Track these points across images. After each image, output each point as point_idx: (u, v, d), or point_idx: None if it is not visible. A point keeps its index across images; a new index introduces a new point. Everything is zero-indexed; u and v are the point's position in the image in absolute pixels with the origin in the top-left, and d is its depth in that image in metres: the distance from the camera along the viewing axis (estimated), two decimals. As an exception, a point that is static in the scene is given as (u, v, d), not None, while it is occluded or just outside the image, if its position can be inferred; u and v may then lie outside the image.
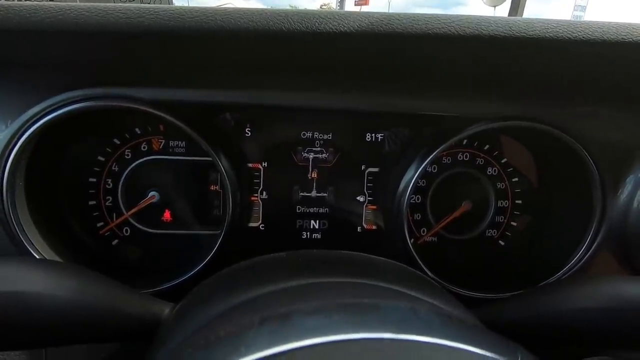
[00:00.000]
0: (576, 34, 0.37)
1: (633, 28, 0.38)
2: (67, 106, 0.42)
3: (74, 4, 0.36)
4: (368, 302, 0.23)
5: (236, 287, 0.31)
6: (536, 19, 0.39)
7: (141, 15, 0.36)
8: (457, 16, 0.38)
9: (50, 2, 0.36)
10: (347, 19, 0.37)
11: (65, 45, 0.39)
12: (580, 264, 0.48)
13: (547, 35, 0.37)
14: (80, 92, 0.43)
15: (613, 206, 0.48)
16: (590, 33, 0.38)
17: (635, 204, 0.47)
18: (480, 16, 0.39)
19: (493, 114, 0.48)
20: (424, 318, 0.21)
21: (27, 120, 0.41)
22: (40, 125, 0.41)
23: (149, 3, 0.74)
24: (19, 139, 0.41)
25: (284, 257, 0.39)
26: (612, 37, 0.38)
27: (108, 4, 0.36)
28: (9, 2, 0.35)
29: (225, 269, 0.39)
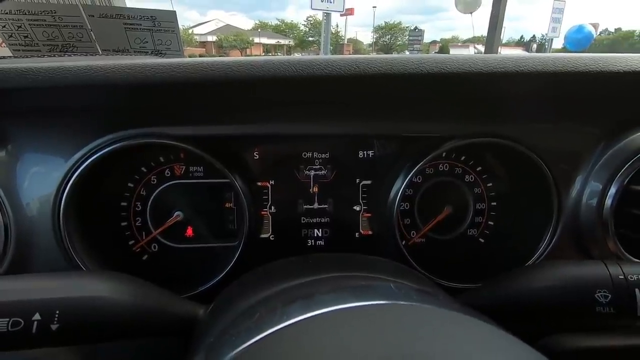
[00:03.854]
0: (522, 68, 0.47)
1: (567, 60, 0.47)
2: (111, 145, 0.50)
3: (119, 62, 0.44)
4: (365, 284, 0.31)
5: (262, 284, 0.39)
6: (490, 55, 0.48)
7: (173, 70, 0.44)
8: (427, 56, 0.47)
9: (100, 62, 0.44)
10: (339, 64, 0.46)
11: (110, 96, 0.48)
12: (544, 254, 0.57)
13: (499, 70, 0.47)
14: (121, 133, 0.51)
15: (567, 203, 0.56)
16: (533, 66, 0.47)
17: (584, 199, 0.55)
18: (445, 55, 0.48)
19: (468, 132, 0.57)
20: (406, 292, 0.29)
21: (80, 158, 0.49)
22: (91, 162, 0.49)
23: (162, 53, 0.82)
24: (73, 174, 0.49)
25: (295, 260, 0.47)
26: (550, 68, 0.47)
27: (146, 61, 0.45)
28: (69, 64, 0.43)
29: (245, 273, 0.47)
